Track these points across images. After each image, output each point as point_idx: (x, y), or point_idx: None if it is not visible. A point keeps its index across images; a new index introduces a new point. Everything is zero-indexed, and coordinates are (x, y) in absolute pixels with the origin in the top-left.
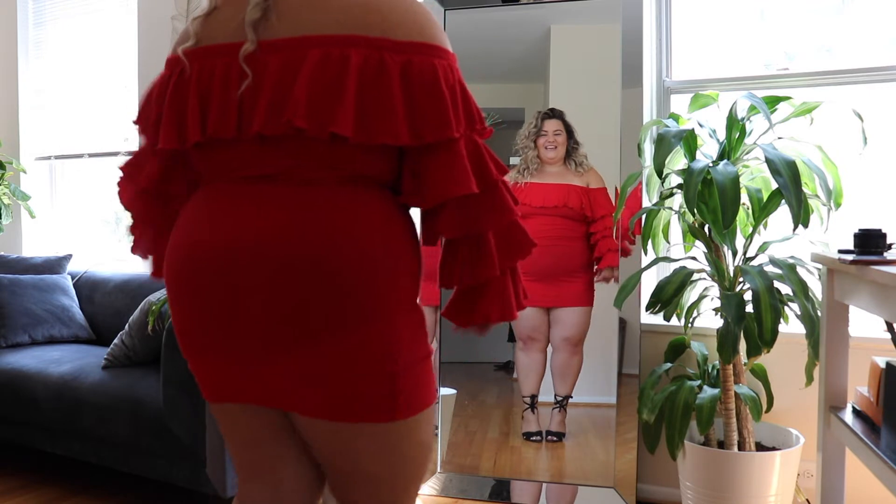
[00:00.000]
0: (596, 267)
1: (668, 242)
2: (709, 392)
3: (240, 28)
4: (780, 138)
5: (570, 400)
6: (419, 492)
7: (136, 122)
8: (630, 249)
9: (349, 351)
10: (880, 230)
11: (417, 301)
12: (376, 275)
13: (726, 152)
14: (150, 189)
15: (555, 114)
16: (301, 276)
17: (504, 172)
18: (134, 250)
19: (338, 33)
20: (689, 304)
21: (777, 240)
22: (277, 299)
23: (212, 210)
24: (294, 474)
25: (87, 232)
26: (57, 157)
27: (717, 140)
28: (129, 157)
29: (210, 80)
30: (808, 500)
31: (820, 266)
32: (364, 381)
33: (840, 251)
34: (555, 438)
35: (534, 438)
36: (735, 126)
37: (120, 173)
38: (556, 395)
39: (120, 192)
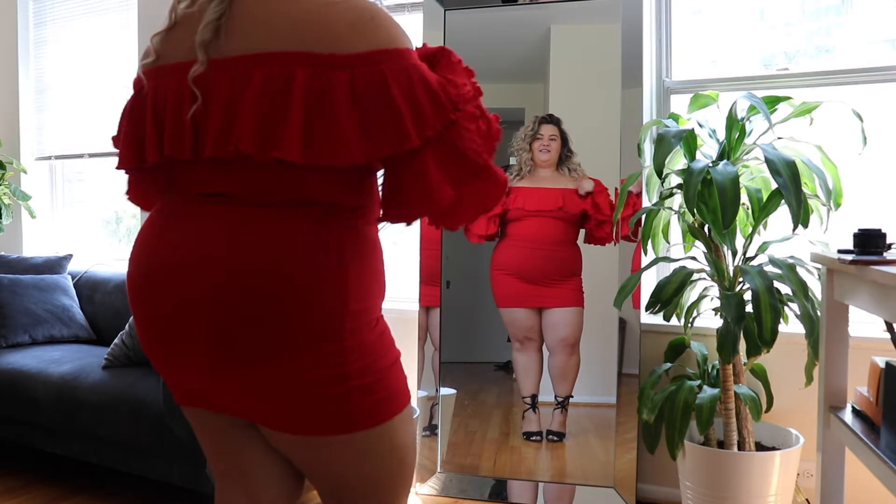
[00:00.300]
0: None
1: (668, 242)
2: (709, 392)
3: (194, 48)
4: (779, 138)
5: (571, 400)
6: (418, 492)
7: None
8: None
9: (298, 371)
10: (880, 230)
11: (377, 318)
12: (322, 297)
13: (726, 152)
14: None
15: (552, 119)
16: (241, 295)
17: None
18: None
19: (284, 50)
20: (688, 304)
21: (777, 240)
22: (218, 318)
23: (163, 225)
24: (267, 475)
25: (87, 232)
26: (57, 157)
27: (717, 140)
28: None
29: (164, 99)
30: (807, 500)
31: (820, 266)
32: (318, 400)
33: (840, 251)
34: (555, 438)
35: (534, 438)
36: (735, 126)
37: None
38: (556, 397)
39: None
